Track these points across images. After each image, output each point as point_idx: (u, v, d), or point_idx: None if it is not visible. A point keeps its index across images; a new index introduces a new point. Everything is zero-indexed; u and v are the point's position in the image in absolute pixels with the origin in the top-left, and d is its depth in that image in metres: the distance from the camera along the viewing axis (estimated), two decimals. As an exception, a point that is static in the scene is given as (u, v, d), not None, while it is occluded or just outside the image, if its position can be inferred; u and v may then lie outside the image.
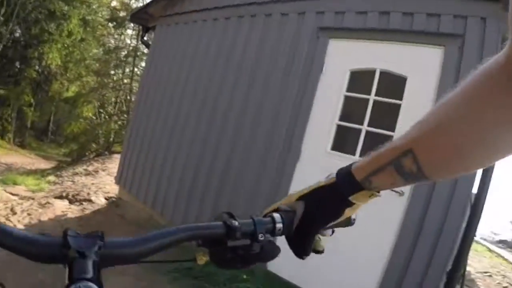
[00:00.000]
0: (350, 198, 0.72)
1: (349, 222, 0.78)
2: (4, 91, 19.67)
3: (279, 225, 0.76)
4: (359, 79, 4.36)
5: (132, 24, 19.72)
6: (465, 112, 0.57)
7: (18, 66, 21.80)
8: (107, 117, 18.78)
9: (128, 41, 22.00)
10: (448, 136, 0.59)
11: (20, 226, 5.77)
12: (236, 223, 0.71)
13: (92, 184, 9.46)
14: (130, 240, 0.65)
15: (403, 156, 0.65)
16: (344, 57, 4.41)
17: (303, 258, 0.78)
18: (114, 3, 23.19)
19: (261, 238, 0.73)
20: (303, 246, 0.77)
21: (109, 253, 0.61)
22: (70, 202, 7.69)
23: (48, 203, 7.06)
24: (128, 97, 17.82)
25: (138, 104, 7.25)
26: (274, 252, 0.76)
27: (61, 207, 6.98)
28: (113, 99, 20.19)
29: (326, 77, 4.47)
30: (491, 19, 3.55)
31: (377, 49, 4.21)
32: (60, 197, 7.97)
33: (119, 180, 7.41)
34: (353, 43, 4.39)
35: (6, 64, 20.72)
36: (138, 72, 18.42)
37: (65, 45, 21.45)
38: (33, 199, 7.87)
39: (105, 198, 7.95)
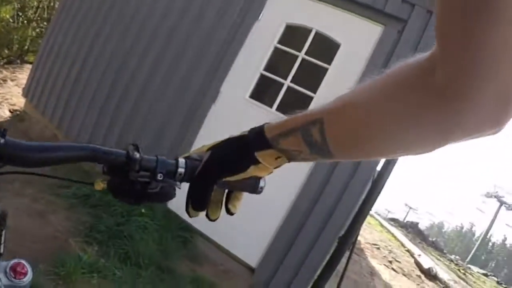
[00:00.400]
0: (256, 154, 0.71)
1: (255, 188, 0.78)
2: None
3: (181, 170, 0.75)
4: (293, 35, 4.33)
5: None
6: (378, 96, 0.57)
7: None
8: (25, 22, 17.28)
9: None
10: (356, 113, 0.59)
11: None
12: (138, 156, 0.71)
13: (-5, 93, 8.80)
14: (29, 144, 0.64)
15: (312, 124, 0.64)
16: (283, 9, 4.32)
17: (198, 210, 0.77)
18: None
19: (160, 178, 0.72)
20: (199, 194, 0.76)
21: (6, 152, 0.61)
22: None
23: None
24: (52, 4, 16.46)
25: (60, 12, 6.66)
26: (170, 195, 0.75)
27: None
28: (35, 3, 18.49)
29: (261, 24, 4.38)
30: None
31: (319, 10, 4.16)
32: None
33: (27, 92, 6.91)
34: None
35: None
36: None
37: None
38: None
39: (10, 111, 7.44)
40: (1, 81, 10.55)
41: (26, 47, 15.55)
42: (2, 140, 0.61)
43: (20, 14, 18.74)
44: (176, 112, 4.64)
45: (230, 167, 0.74)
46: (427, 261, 11.74)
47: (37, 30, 16.12)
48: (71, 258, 3.09)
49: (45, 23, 15.92)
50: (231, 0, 4.57)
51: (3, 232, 0.87)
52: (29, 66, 12.60)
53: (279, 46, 4.30)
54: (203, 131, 4.43)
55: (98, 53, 5.52)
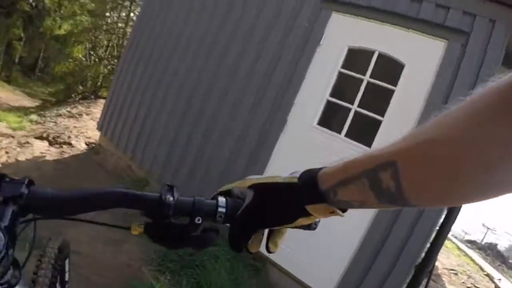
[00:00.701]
0: (307, 207, 0.63)
1: (309, 226, 0.70)
2: (-6, 22, 19.06)
3: (222, 210, 0.69)
4: (356, 58, 4.28)
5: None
6: (468, 125, 0.47)
7: None
8: (97, 60, 18.31)
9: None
10: (445, 150, 0.48)
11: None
12: (171, 199, 0.66)
13: (75, 127, 9.32)
14: (60, 194, 0.62)
15: (382, 168, 0.53)
16: (344, 32, 4.30)
17: (236, 251, 0.70)
18: None
19: (198, 222, 0.67)
20: (238, 240, 0.69)
21: (33, 203, 0.59)
22: (50, 143, 7.58)
23: (28, 143, 6.95)
24: (121, 42, 17.39)
25: (128, 51, 7.04)
26: (211, 239, 0.70)
27: (40, 148, 6.88)
28: (105, 42, 19.62)
29: (323, 50, 4.38)
30: (500, 22, 3.48)
31: (379, 30, 4.11)
32: (41, 137, 7.85)
33: (101, 126, 7.28)
34: (356, 20, 4.28)
35: (-4, -6, 19.93)
36: (134, 18, 17.95)
37: (62, -19, 20.71)
38: (13, 137, 7.74)
39: (86, 143, 7.86)
40: (77, 116, 11.20)
41: (99, 83, 16.42)
42: (26, 190, 0.60)
43: (92, 53, 19.94)
44: (245, 142, 4.69)
45: (275, 218, 0.66)
46: (508, 286, 11.01)
47: (108, 67, 17.02)
48: (144, 286, 3.16)
49: (115, 60, 16.81)
50: (291, 27, 4.62)
51: (67, 261, 0.83)
52: (102, 101, 13.28)
53: (343, 70, 4.26)
54: (273, 160, 4.44)
55: (167, 86, 5.74)
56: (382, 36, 4.07)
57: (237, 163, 4.69)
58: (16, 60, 21.94)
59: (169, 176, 5.26)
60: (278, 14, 4.77)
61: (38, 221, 0.66)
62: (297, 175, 0.65)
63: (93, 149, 7.32)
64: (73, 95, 16.49)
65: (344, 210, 0.63)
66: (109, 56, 18.50)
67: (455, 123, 0.48)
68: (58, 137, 8.04)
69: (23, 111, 12.22)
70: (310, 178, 0.62)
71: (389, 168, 0.52)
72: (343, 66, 4.26)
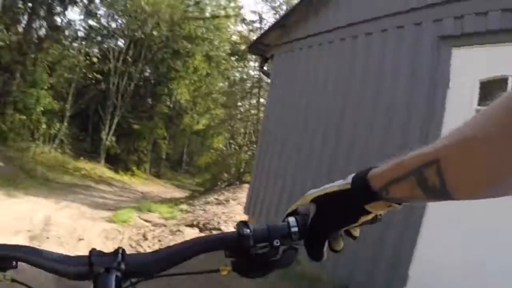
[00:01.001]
0: (366, 207, 0.67)
1: (374, 220, 0.72)
2: (139, 126, 21.16)
3: (294, 229, 0.73)
4: (490, 90, 3.77)
5: (253, 56, 20.29)
6: (505, 121, 0.48)
7: (150, 102, 23.43)
8: (237, 147, 19.30)
9: (252, 73, 22.56)
10: (485, 147, 0.50)
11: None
12: (248, 231, 0.70)
13: (223, 213, 9.58)
14: (149, 256, 0.69)
15: (427, 167, 0.56)
16: (470, 66, 3.89)
17: (317, 261, 0.74)
18: (234, 38, 24.10)
19: (277, 244, 0.71)
20: (314, 249, 0.73)
21: (130, 268, 0.65)
22: (200, 230, 7.80)
23: (179, 230, 7.22)
24: (256, 128, 18.15)
25: (263, 135, 7.20)
26: (292, 257, 0.73)
27: (190, 235, 7.08)
28: (242, 130, 20.72)
29: (453, 91, 3.97)
30: None
31: (505, 53, 3.62)
32: (191, 225, 8.15)
33: (248, 209, 7.37)
34: (478, 50, 3.87)
35: (139, 101, 22.35)
36: (265, 103, 18.76)
37: (192, 81, 22.66)
38: (165, 226, 8.15)
39: (234, 228, 7.93)
40: (225, 202, 11.59)
41: (241, 169, 17.18)
42: (122, 258, 0.65)
43: (231, 141, 21.12)
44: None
45: (339, 222, 0.71)
46: None
47: (249, 152, 17.78)
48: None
49: (254, 145, 17.53)
50: (417, 76, 4.31)
51: None
52: (247, 185, 13.67)
53: (480, 108, 3.73)
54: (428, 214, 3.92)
55: (306, 164, 5.68)
56: (510, 58, 3.55)
57: (386, 241, 4.19)
58: (163, 156, 23.97)
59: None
60: (398, 67, 4.55)
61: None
62: (350, 180, 0.69)
63: (241, 232, 7.33)
64: (219, 183, 17.34)
65: (399, 204, 0.66)
66: (248, 142, 19.40)
67: (493, 120, 0.50)
68: (207, 223, 8.27)
69: (174, 201, 13.05)
70: (361, 181, 0.66)
71: (433, 165, 0.55)
72: (480, 103, 3.78)
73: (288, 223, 0.73)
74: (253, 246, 0.70)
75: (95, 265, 0.63)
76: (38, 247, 0.66)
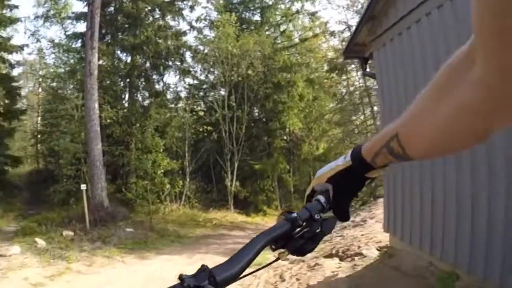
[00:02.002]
0: (366, 175, 0.87)
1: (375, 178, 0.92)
2: (260, 165, 21.08)
3: (325, 204, 0.90)
4: None
5: (353, 65, 19.29)
6: (432, 97, 0.66)
7: (266, 140, 23.37)
8: (362, 163, 18.35)
9: (357, 83, 21.50)
10: (420, 122, 0.69)
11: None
12: (295, 215, 0.84)
13: (362, 235, 8.78)
14: (228, 264, 0.76)
15: (392, 140, 0.74)
16: None
17: (346, 221, 0.98)
18: (330, 54, 23.48)
19: (317, 217, 0.86)
20: (342, 214, 0.92)
21: (219, 279, 0.72)
22: (341, 259, 7.10)
23: (317, 264, 6.59)
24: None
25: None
26: (332, 223, 0.89)
27: (331, 266, 6.42)
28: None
29: None
30: None
31: None
32: (330, 255, 7.48)
33: (387, 227, 6.55)
34: None
35: (254, 141, 22.33)
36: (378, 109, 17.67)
37: (301, 108, 22.22)
38: (303, 261, 7.57)
39: (377, 249, 7.11)
40: (362, 222, 10.73)
41: (373, 184, 16.01)
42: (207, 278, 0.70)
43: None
44: None
45: (353, 190, 0.91)
46: None
47: None
48: None
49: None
50: None
51: None
52: (381, 199, 12.77)
53: None
54: None
55: (443, 166, 4.81)
56: None
57: None
58: (291, 189, 23.66)
59: (481, 264, 4.05)
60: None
61: None
62: (349, 158, 0.88)
63: (385, 253, 6.49)
64: (352, 204, 16.43)
65: (386, 166, 0.84)
66: (373, 155, 18.31)
67: (424, 98, 0.69)
68: (347, 250, 7.55)
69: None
70: (359, 157, 0.85)
71: (395, 138, 0.74)
72: None
73: (319, 200, 0.91)
74: (301, 225, 0.85)
75: (188, 285, 0.68)
76: None
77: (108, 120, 17.22)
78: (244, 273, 0.76)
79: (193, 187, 19.67)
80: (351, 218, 11.80)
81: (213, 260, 8.59)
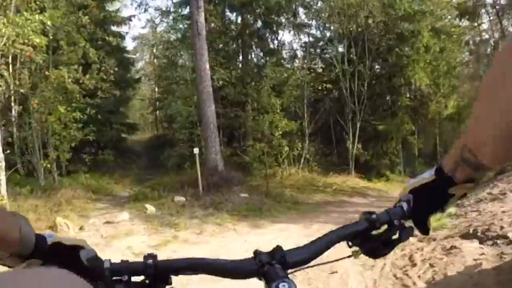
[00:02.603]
0: (449, 191, 0.83)
1: (464, 196, 0.87)
2: (384, 126, 19.89)
3: (407, 212, 0.88)
4: None
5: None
6: (486, 98, 0.72)
7: (390, 98, 22.01)
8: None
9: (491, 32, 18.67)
10: (480, 125, 0.73)
11: (420, 284, 4.65)
12: (375, 216, 0.86)
13: (503, 212, 7.57)
14: (301, 249, 0.81)
15: (463, 150, 0.75)
16: None
17: (426, 234, 0.95)
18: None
19: (396, 223, 0.86)
20: (421, 226, 0.91)
21: (289, 260, 0.78)
22: (481, 241, 6.11)
23: (454, 247, 5.71)
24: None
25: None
26: (410, 233, 0.88)
27: (470, 252, 5.51)
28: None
29: None
30: None
31: None
32: (466, 235, 6.49)
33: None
34: None
35: (376, 100, 21.09)
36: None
37: (427, 62, 20.27)
38: (434, 240, 6.71)
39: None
40: (501, 196, 9.35)
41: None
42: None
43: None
44: None
45: (434, 206, 0.88)
46: None
47: None
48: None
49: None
50: None
51: None
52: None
53: None
54: None
55: None
56: None
57: None
58: (416, 153, 22.14)
59: None
60: None
61: None
62: (433, 172, 0.86)
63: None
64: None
65: (471, 182, 0.82)
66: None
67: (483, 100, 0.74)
68: (487, 230, 6.50)
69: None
70: (440, 171, 0.84)
71: (466, 147, 0.75)
72: None
73: (402, 207, 0.90)
74: (379, 227, 0.86)
75: (263, 262, 0.75)
76: (204, 257, 0.79)
77: (221, 82, 16.92)
78: (314, 262, 0.82)
79: (312, 150, 19.15)
80: (487, 190, 10.47)
81: (331, 232, 8.05)
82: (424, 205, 0.88)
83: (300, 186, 15.25)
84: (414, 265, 5.25)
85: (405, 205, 0.89)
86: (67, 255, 0.72)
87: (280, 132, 16.70)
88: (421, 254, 5.73)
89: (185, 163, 15.25)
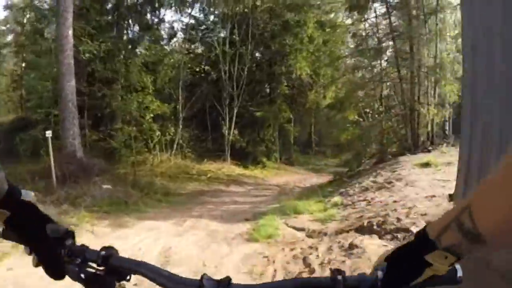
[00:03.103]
0: (426, 257, 0.67)
1: (453, 279, 0.72)
2: (261, 113, 19.47)
3: (379, 281, 0.73)
4: None
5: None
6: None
7: (268, 86, 21.78)
8: (376, 115, 16.47)
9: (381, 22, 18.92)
10: (503, 193, 0.57)
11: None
12: (340, 278, 0.72)
13: (394, 202, 6.99)
14: (252, 286, 0.72)
15: (463, 212, 0.62)
16: None
17: None
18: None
19: None
20: None
21: None
22: (380, 236, 5.32)
23: (354, 245, 4.80)
24: (401, 88, 15.09)
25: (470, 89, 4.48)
26: None
27: (373, 249, 4.65)
28: (384, 93, 17.36)
29: None
30: None
31: None
32: (361, 229, 5.69)
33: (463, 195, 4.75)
34: None
35: (256, 86, 20.60)
36: (403, 56, 15.47)
37: (310, 52, 20.31)
38: (325, 234, 5.81)
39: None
40: (387, 185, 8.97)
41: (384, 140, 14.77)
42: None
43: (368, 110, 18.26)
44: None
45: (406, 276, 0.71)
46: None
47: (396, 117, 15.23)
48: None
49: (403, 107, 14.79)
50: None
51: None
52: (404, 158, 10.98)
53: None
54: None
55: None
56: None
57: None
58: (292, 141, 22.18)
59: None
60: None
61: None
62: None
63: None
64: (362, 161, 14.87)
65: (457, 256, 0.66)
66: (387, 108, 16.47)
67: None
68: (383, 222, 5.78)
69: (321, 192, 10.61)
70: (422, 232, 0.68)
71: (466, 210, 0.61)
72: None
73: (377, 276, 0.75)
74: None
75: None
76: (156, 266, 0.75)
77: (88, 55, 14.52)
78: None
79: (186, 135, 17.86)
80: (370, 178, 10.10)
81: (207, 228, 6.78)
82: (396, 275, 0.72)
83: (172, 174, 13.94)
84: (312, 271, 4.19)
85: (380, 274, 0.74)
86: (34, 222, 0.74)
87: (152, 115, 15.26)
88: (317, 256, 4.75)
89: (41, 148, 12.68)
